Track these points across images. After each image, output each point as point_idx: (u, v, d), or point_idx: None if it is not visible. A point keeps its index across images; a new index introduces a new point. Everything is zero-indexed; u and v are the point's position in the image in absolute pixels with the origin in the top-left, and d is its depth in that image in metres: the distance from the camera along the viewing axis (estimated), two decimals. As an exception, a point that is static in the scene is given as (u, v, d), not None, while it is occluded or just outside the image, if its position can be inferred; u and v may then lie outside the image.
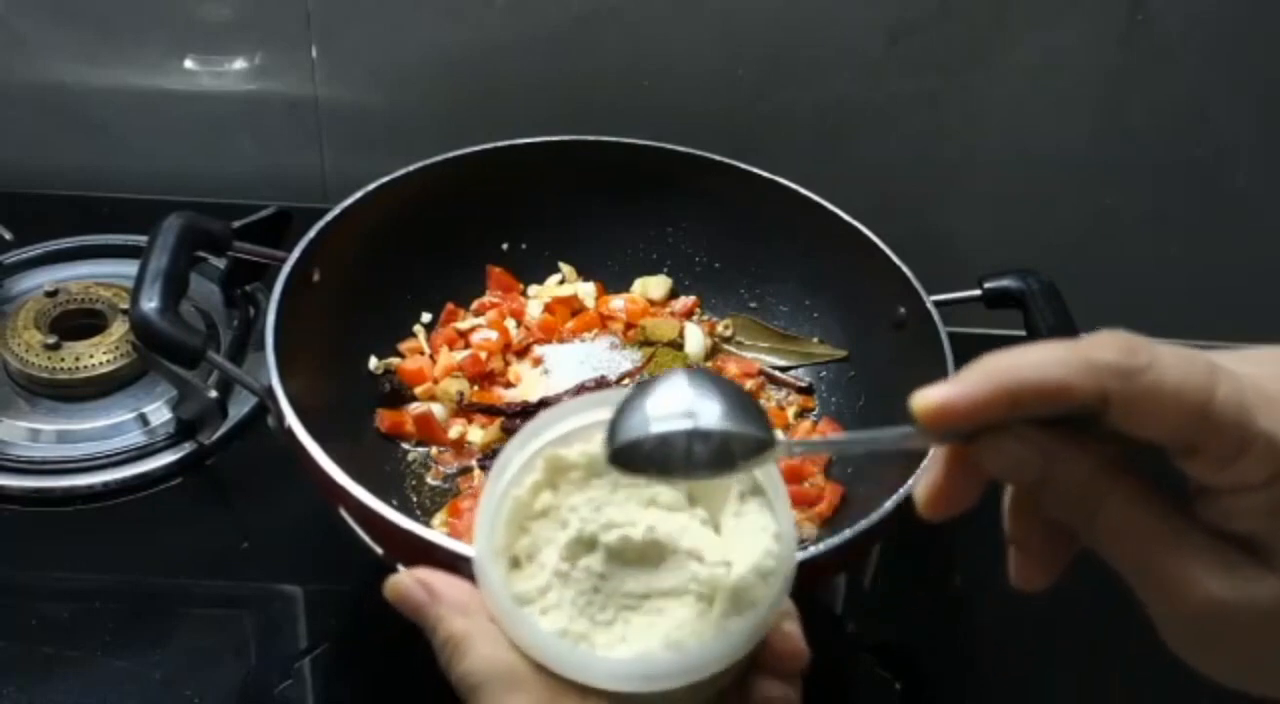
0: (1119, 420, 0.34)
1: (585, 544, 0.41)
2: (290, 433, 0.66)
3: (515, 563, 0.42)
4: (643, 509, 0.42)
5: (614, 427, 0.38)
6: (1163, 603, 0.36)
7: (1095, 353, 0.33)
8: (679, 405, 0.37)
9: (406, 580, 0.44)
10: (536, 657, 0.39)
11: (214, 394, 0.83)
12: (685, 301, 0.95)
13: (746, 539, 0.41)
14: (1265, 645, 0.35)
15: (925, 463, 0.38)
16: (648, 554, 0.41)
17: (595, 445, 0.42)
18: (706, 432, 0.37)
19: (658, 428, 0.37)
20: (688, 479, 0.40)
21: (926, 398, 0.35)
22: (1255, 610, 0.35)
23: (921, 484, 0.38)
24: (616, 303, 0.93)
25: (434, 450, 0.83)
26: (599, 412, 0.42)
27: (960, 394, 0.34)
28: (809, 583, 0.71)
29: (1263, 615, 0.35)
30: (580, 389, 0.85)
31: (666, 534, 0.41)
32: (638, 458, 0.37)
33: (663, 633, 0.40)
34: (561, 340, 0.91)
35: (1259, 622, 0.35)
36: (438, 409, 0.84)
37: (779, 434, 0.38)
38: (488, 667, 0.40)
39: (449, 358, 0.87)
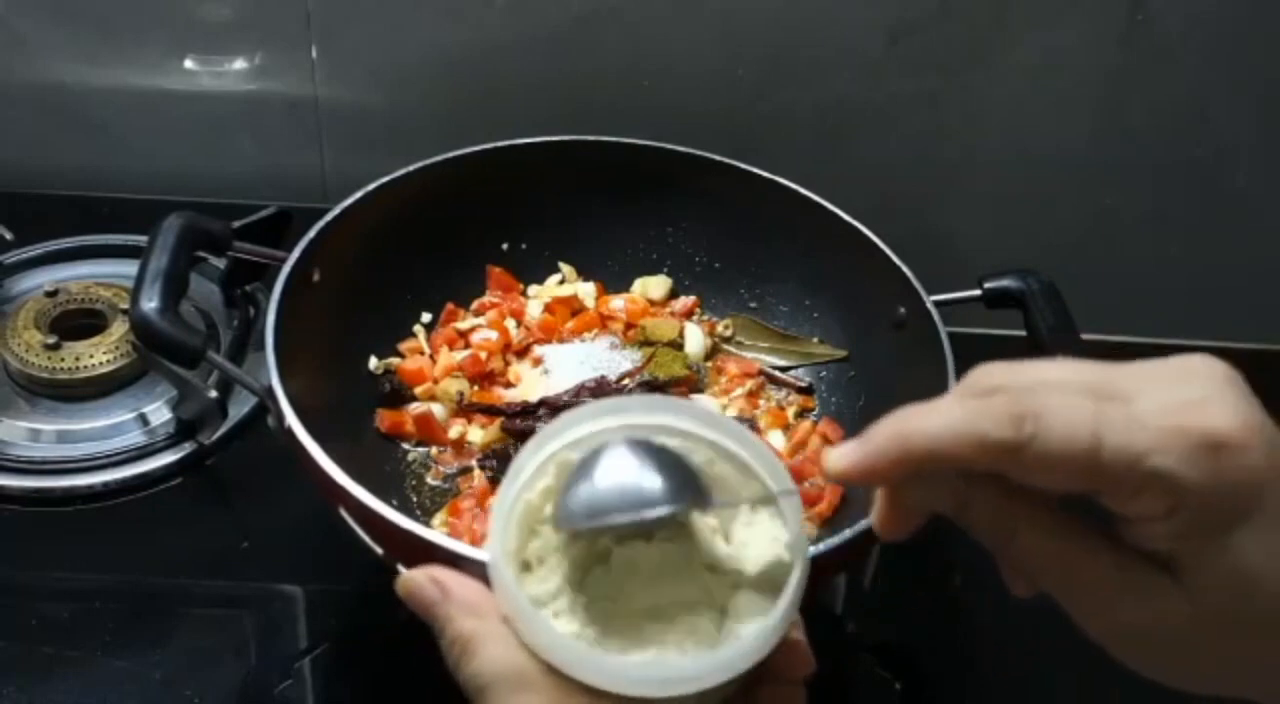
0: (1019, 480, 0.37)
1: (597, 556, 0.41)
2: (290, 433, 0.66)
3: (526, 566, 0.42)
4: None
5: (559, 514, 0.40)
6: (1087, 622, 0.39)
7: (985, 429, 0.36)
8: (624, 493, 0.40)
9: (419, 577, 0.44)
10: (550, 659, 0.39)
11: (214, 394, 0.83)
12: (685, 301, 0.95)
13: (758, 548, 0.42)
14: (1188, 655, 0.38)
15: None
16: (660, 564, 0.42)
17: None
18: (650, 520, 0.40)
19: (600, 522, 0.40)
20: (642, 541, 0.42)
21: (834, 458, 0.38)
22: (1169, 628, 0.37)
23: (873, 513, 0.40)
24: (616, 303, 0.93)
25: (434, 450, 0.83)
26: (612, 418, 0.42)
27: (864, 458, 0.37)
28: (809, 583, 0.71)
29: (1178, 631, 0.37)
30: (580, 389, 0.85)
31: (678, 546, 0.42)
32: (587, 536, 0.40)
33: (675, 640, 0.40)
34: (561, 340, 0.91)
35: (1176, 636, 0.37)
36: (438, 409, 0.84)
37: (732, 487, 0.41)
38: (497, 667, 0.40)
39: (449, 358, 0.87)
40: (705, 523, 0.43)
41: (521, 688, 0.40)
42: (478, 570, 0.44)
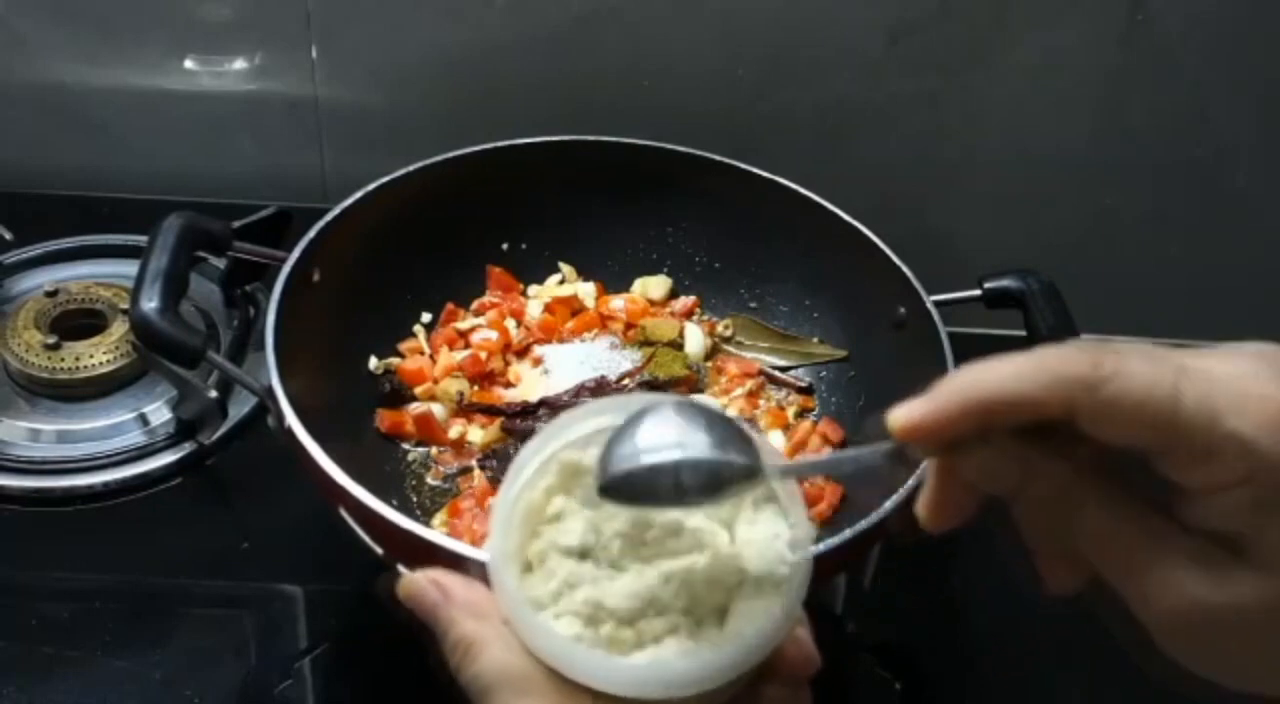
0: (1088, 428, 0.35)
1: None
2: (290, 433, 0.66)
3: (528, 567, 0.42)
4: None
5: (604, 459, 0.39)
6: (1148, 606, 0.36)
7: (1061, 366, 0.34)
8: (668, 437, 0.38)
9: (420, 580, 0.44)
10: (551, 661, 0.39)
11: (214, 394, 0.83)
12: (685, 301, 0.95)
13: (760, 546, 0.41)
14: (1254, 644, 0.36)
15: (920, 473, 0.39)
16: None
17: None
18: (695, 461, 0.38)
19: (647, 459, 0.38)
20: (678, 507, 0.40)
21: (901, 415, 0.36)
22: (1239, 610, 0.35)
23: (921, 499, 0.39)
24: (616, 303, 0.93)
25: (434, 450, 0.83)
26: (614, 416, 0.42)
27: (932, 410, 0.36)
28: (809, 583, 0.71)
29: (1247, 615, 0.35)
30: (580, 389, 0.85)
31: (679, 548, 0.42)
32: (627, 490, 0.38)
33: (677, 640, 0.40)
34: (561, 340, 0.91)
35: (1244, 621, 0.35)
36: (438, 409, 0.84)
37: (768, 459, 0.39)
38: (499, 670, 0.40)
39: (449, 358, 0.87)
40: (711, 517, 0.43)
41: (524, 690, 0.39)
42: (478, 571, 0.44)
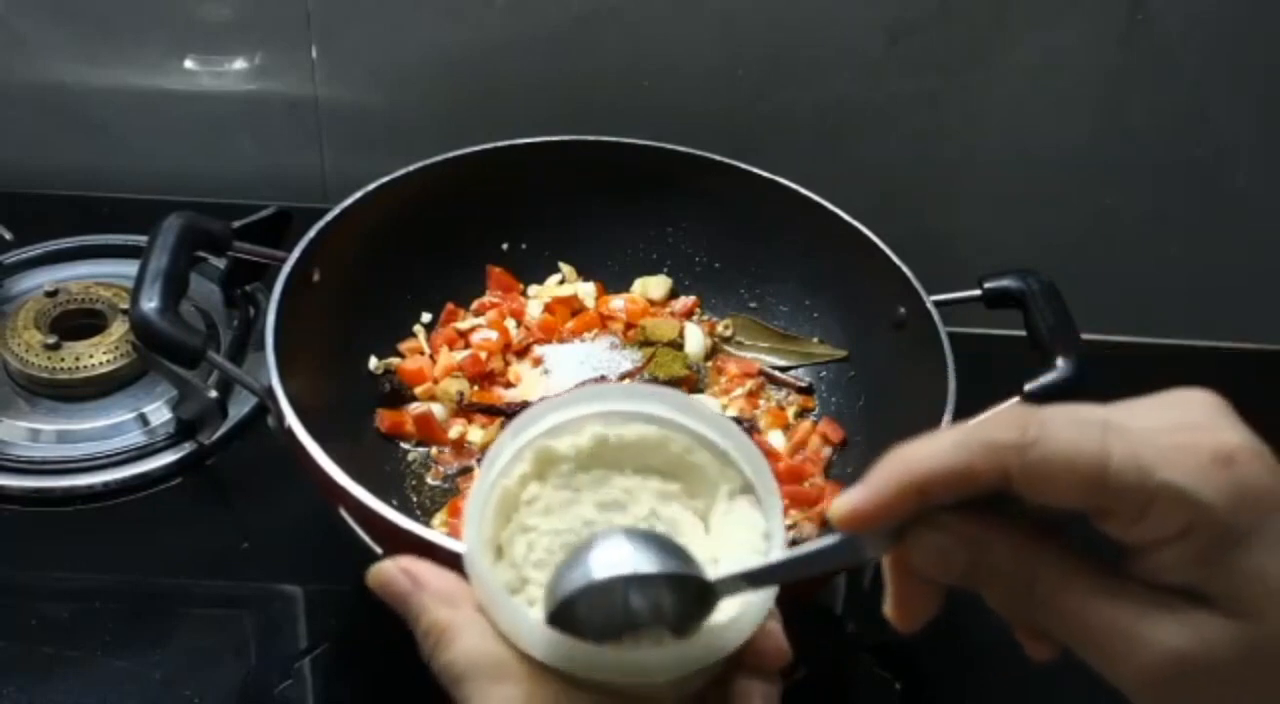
0: (1023, 493, 0.35)
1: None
2: (290, 433, 0.66)
3: (500, 553, 0.42)
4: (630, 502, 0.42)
5: (549, 594, 0.39)
6: (1117, 668, 0.36)
7: (988, 434, 0.35)
8: (621, 562, 0.39)
9: (390, 568, 0.43)
10: (525, 647, 0.39)
11: (214, 394, 0.83)
12: (685, 301, 0.95)
13: (735, 537, 0.41)
14: (1232, 690, 0.35)
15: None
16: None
17: (584, 438, 0.42)
18: (644, 580, 0.38)
19: (598, 577, 0.38)
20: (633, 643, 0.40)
21: (839, 505, 0.37)
22: (1210, 658, 0.34)
23: (886, 602, 0.39)
24: (616, 303, 0.93)
25: (434, 450, 0.83)
26: (590, 405, 0.42)
27: (869, 496, 0.36)
28: (809, 583, 0.71)
29: (1220, 662, 0.34)
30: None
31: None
32: (575, 624, 0.39)
33: (652, 627, 0.40)
34: (561, 340, 0.91)
35: (1218, 668, 0.35)
36: (438, 409, 0.84)
37: (717, 572, 0.40)
38: (473, 657, 0.40)
39: (449, 358, 0.87)
40: (688, 505, 0.43)
41: (498, 677, 0.39)
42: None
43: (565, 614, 0.38)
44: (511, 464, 0.42)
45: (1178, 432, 0.34)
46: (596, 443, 0.42)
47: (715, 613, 0.40)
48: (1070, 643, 0.37)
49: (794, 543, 0.76)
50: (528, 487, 0.42)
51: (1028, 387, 0.74)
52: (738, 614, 0.40)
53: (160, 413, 0.87)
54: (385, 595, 0.43)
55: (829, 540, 0.39)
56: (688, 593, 0.39)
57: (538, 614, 0.40)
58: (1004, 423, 0.35)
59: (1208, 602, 0.34)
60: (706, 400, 0.87)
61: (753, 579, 0.40)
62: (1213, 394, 0.37)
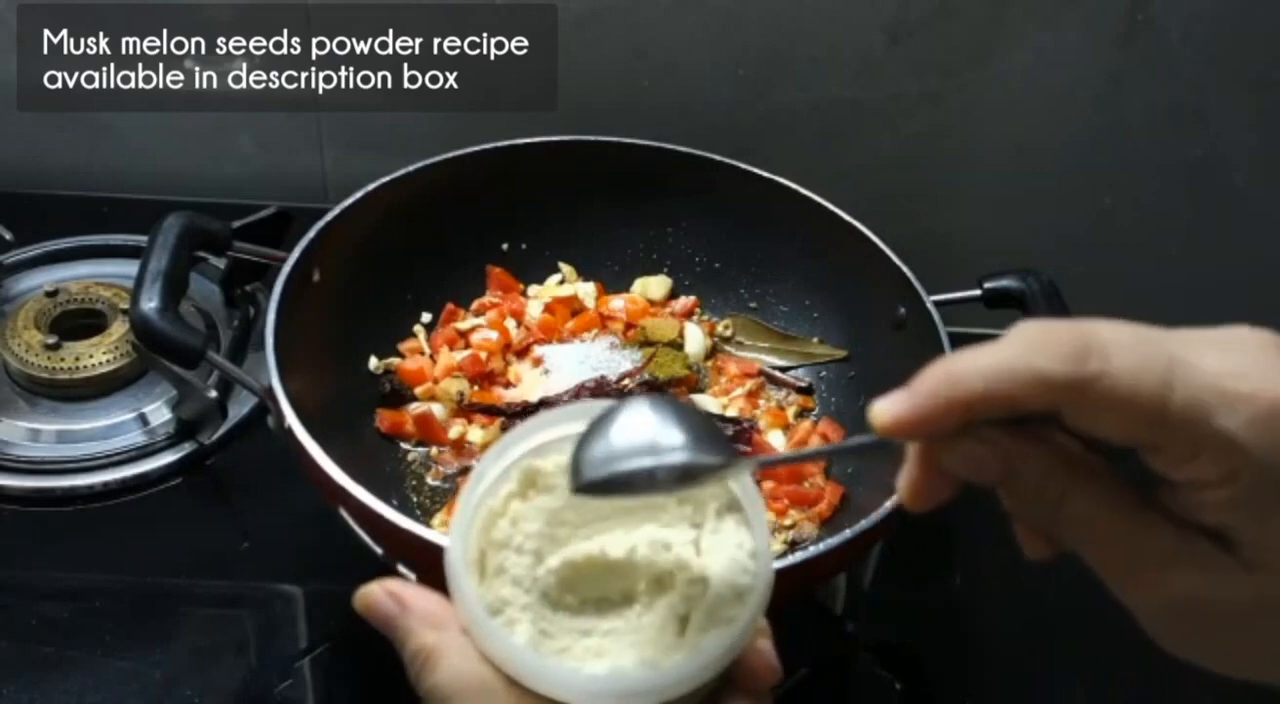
0: (1073, 425, 0.35)
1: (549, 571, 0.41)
2: (290, 433, 0.66)
3: (483, 572, 0.42)
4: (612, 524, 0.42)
5: (576, 461, 0.39)
6: (1132, 596, 0.36)
7: (1045, 364, 0.34)
8: (641, 438, 0.38)
9: (376, 591, 0.43)
10: (508, 669, 0.39)
11: (214, 394, 0.83)
12: (685, 301, 0.95)
13: (722, 555, 0.41)
14: (1242, 635, 0.36)
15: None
16: (619, 570, 0.41)
17: (569, 456, 0.41)
18: (669, 466, 0.38)
19: (620, 467, 0.38)
20: (652, 494, 0.40)
21: (883, 411, 0.36)
22: (1226, 604, 0.35)
23: (901, 480, 0.38)
24: (616, 303, 0.93)
25: (434, 450, 0.83)
26: (576, 424, 0.42)
27: (913, 407, 0.35)
28: (809, 583, 0.71)
29: (1235, 609, 0.35)
30: (580, 389, 0.85)
31: (641, 555, 0.41)
32: (600, 488, 0.38)
33: (637, 649, 0.40)
34: (561, 340, 0.91)
35: (1232, 614, 0.35)
36: (438, 409, 0.84)
37: (742, 454, 0.39)
38: (458, 679, 0.40)
39: (449, 358, 0.87)
40: (677, 515, 0.43)
41: (484, 699, 0.39)
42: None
43: (590, 488, 0.39)
44: (498, 484, 0.42)
45: (1240, 378, 0.34)
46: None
47: (703, 632, 0.40)
48: (1084, 557, 0.37)
49: (793, 543, 0.76)
50: (511, 505, 0.42)
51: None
52: (722, 637, 0.39)
53: (160, 413, 0.87)
54: (372, 618, 0.43)
55: (862, 437, 0.38)
56: (708, 468, 0.39)
57: (521, 637, 0.40)
58: (1062, 350, 0.34)
59: (1234, 547, 0.35)
60: (706, 400, 0.87)
61: (778, 462, 0.39)
62: (1275, 337, 0.36)
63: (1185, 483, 0.35)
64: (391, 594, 0.43)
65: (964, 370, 0.35)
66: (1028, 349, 0.34)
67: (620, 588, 0.41)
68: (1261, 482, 0.33)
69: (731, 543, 0.41)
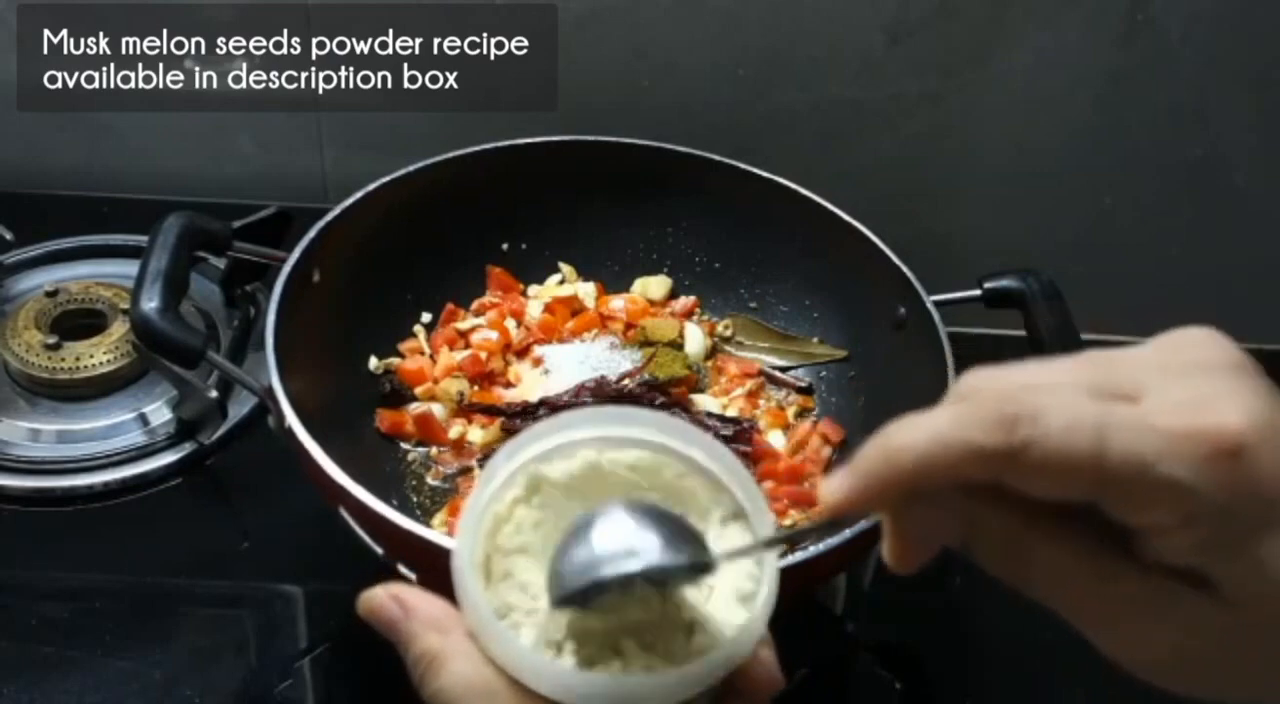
0: (1018, 489, 0.34)
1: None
2: (290, 433, 0.66)
3: (489, 576, 0.42)
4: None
5: (557, 575, 0.39)
6: (1120, 651, 0.36)
7: (974, 436, 0.33)
8: (620, 545, 0.39)
9: (379, 595, 0.43)
10: (514, 672, 0.39)
11: (214, 394, 0.83)
12: (685, 301, 0.95)
13: (729, 566, 0.41)
14: (1235, 668, 0.35)
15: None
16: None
17: (576, 464, 0.42)
18: (648, 570, 0.38)
19: (604, 572, 0.38)
20: (631, 595, 0.40)
21: (828, 493, 0.36)
22: (1214, 644, 0.34)
23: (884, 549, 0.38)
24: (616, 303, 0.93)
25: (434, 450, 0.83)
26: (582, 429, 0.42)
27: (852, 488, 0.35)
28: (809, 583, 0.71)
29: (1222, 646, 0.34)
30: (580, 389, 0.85)
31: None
32: (581, 599, 0.39)
33: (642, 654, 0.40)
34: (561, 340, 0.91)
35: (1220, 651, 0.34)
36: (438, 409, 0.84)
37: (716, 549, 0.40)
38: (464, 683, 0.39)
39: (449, 358, 0.87)
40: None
41: (489, 702, 0.39)
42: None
43: (569, 599, 0.39)
44: (504, 488, 0.42)
45: (1181, 412, 0.33)
46: (589, 468, 0.42)
47: (707, 639, 0.40)
48: (1061, 612, 0.36)
49: (793, 547, 0.76)
50: (516, 510, 0.42)
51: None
52: (726, 642, 0.40)
53: (160, 413, 0.87)
54: (375, 622, 0.43)
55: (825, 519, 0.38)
56: (686, 569, 0.39)
57: (528, 639, 0.40)
58: (989, 422, 0.33)
59: (1210, 585, 0.34)
60: (706, 400, 0.87)
61: (747, 552, 0.40)
62: (1226, 346, 0.35)
63: (1147, 530, 0.34)
64: (395, 598, 0.43)
65: (897, 447, 0.34)
66: (957, 420, 0.33)
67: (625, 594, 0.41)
68: (1221, 520, 0.33)
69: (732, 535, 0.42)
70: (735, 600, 0.41)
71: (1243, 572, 0.33)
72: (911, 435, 0.34)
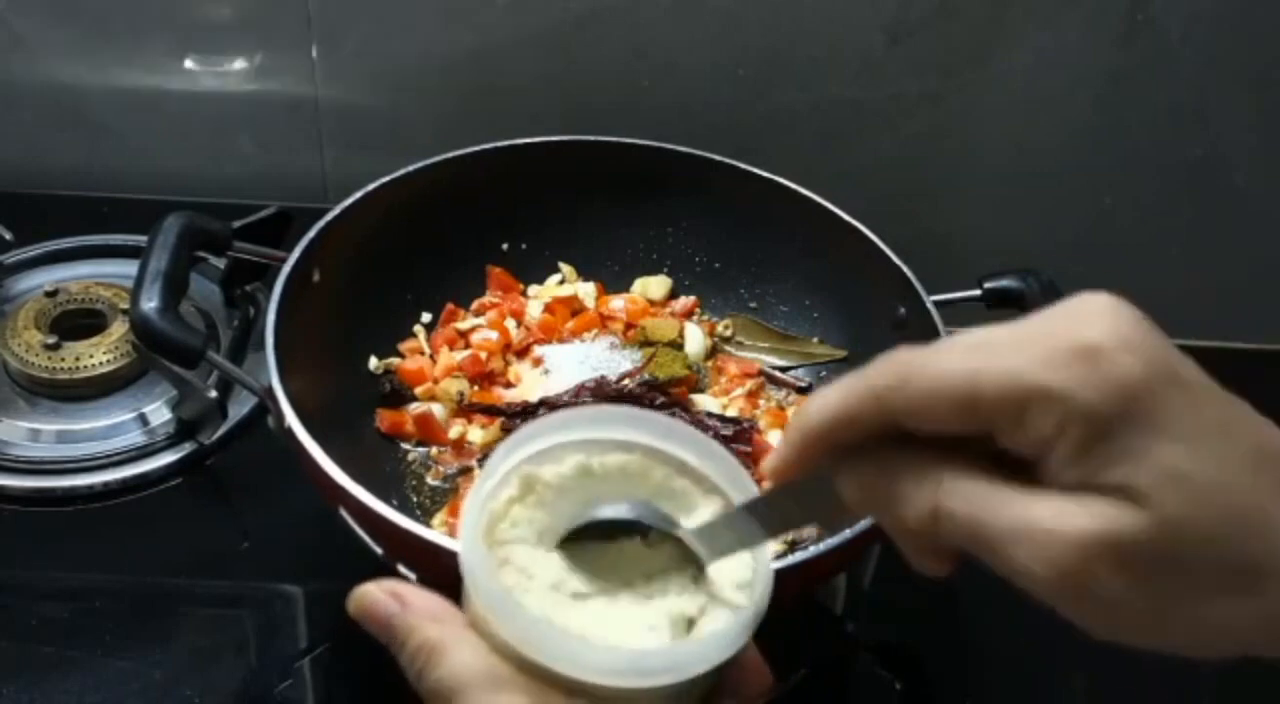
0: (914, 427, 0.36)
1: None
2: (290, 433, 0.66)
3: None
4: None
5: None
6: (1036, 565, 0.34)
7: (871, 380, 0.36)
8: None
9: (373, 591, 0.43)
10: (524, 649, 0.39)
11: (214, 394, 0.83)
12: (685, 301, 0.95)
13: (722, 564, 0.42)
14: (1149, 584, 0.34)
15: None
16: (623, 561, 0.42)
17: (567, 466, 0.43)
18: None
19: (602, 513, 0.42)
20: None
21: (766, 465, 0.39)
22: (1126, 540, 0.33)
23: (908, 558, 0.39)
24: (616, 303, 0.93)
25: (434, 450, 0.83)
26: (574, 432, 0.43)
27: (784, 454, 0.38)
28: (809, 583, 0.71)
29: (1135, 546, 0.33)
30: (580, 389, 0.85)
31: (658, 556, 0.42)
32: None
33: (648, 635, 0.40)
34: (561, 340, 0.91)
35: (1133, 554, 0.33)
36: (438, 409, 0.84)
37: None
38: (467, 670, 0.39)
39: (449, 358, 0.87)
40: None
41: (497, 687, 0.39)
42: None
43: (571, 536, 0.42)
44: (499, 487, 0.42)
45: (1046, 336, 0.35)
46: (580, 471, 0.43)
47: (710, 622, 0.41)
48: (978, 549, 0.36)
49: (793, 543, 0.76)
50: (512, 509, 0.42)
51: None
52: (733, 620, 0.40)
53: (160, 413, 0.88)
54: (369, 618, 0.43)
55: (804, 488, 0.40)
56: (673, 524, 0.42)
57: (538, 610, 0.40)
58: (884, 367, 0.36)
59: (1105, 492, 0.34)
60: (706, 400, 0.87)
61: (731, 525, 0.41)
62: (1109, 298, 0.36)
63: (1032, 452, 0.34)
64: (391, 592, 0.43)
65: (811, 409, 0.37)
66: (854, 375, 0.37)
67: (623, 581, 0.42)
68: (1091, 424, 0.33)
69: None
70: (734, 586, 0.42)
71: (1128, 471, 0.33)
72: (821, 397, 0.37)
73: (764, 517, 0.41)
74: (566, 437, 0.43)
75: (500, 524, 0.42)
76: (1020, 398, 0.34)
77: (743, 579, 0.42)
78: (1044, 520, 0.34)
